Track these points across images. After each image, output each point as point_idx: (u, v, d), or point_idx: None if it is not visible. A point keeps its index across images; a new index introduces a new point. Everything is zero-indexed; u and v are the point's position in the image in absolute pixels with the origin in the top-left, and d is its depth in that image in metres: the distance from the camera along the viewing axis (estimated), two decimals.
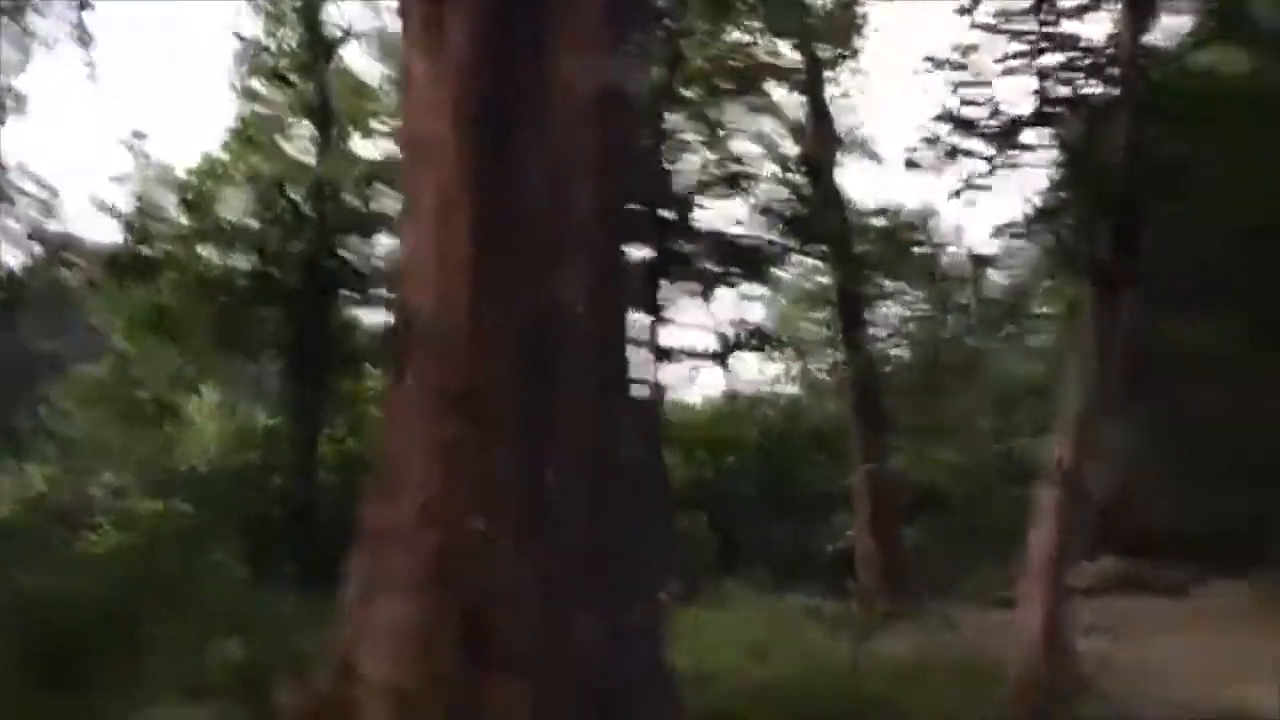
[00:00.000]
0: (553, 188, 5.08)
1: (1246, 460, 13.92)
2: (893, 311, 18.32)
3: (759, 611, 10.20)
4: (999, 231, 12.19)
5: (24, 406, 18.95)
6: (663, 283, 14.68)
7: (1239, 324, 13.01)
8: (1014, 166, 10.12)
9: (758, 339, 16.94)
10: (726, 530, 15.86)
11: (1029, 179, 11.20)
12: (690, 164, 15.50)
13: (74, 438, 17.45)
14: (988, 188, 10.84)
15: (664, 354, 15.08)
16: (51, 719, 6.53)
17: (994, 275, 18.87)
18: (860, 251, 15.93)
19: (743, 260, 15.79)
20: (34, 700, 6.58)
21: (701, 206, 15.31)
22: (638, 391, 5.68)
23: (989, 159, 10.53)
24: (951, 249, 17.90)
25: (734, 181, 15.49)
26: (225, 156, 17.66)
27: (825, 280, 17.67)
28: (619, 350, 5.28)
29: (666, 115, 14.69)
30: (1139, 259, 9.41)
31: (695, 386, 20.19)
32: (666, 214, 14.23)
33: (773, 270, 16.99)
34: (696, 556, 14.61)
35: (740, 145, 16.44)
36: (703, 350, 16.06)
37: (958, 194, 12.23)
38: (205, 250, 17.26)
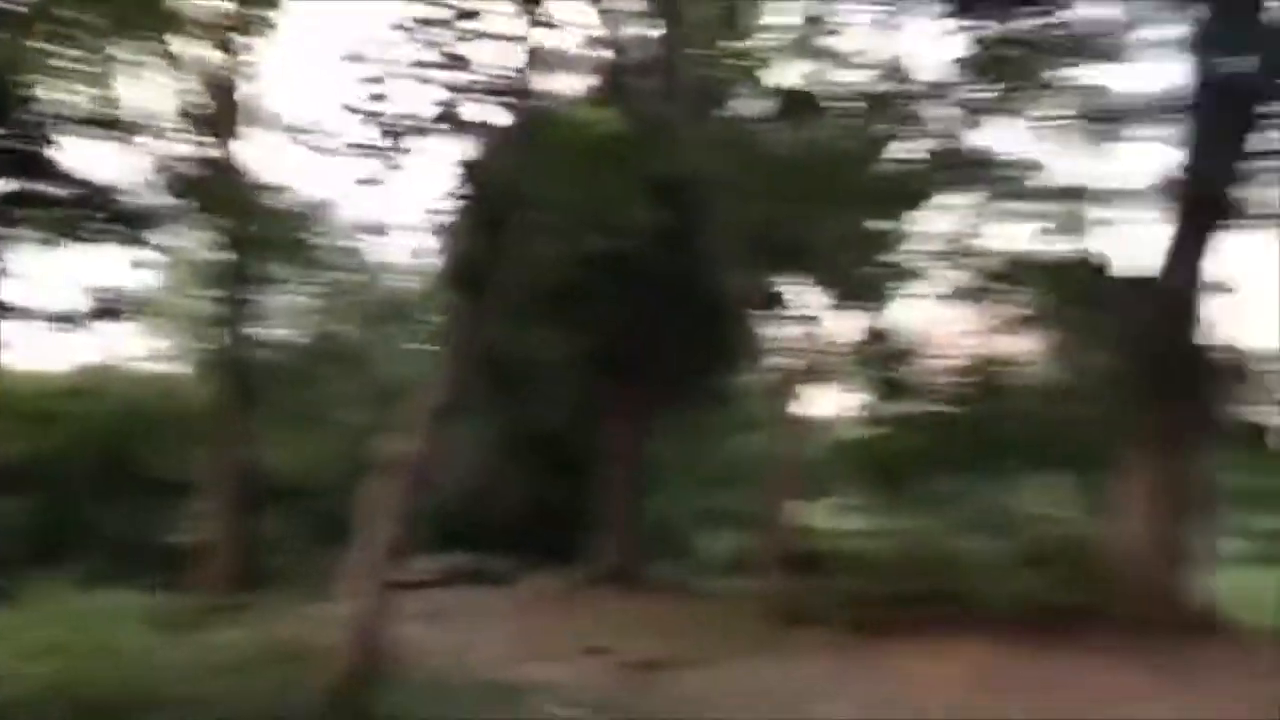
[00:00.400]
0: None
1: (570, 464, 16.08)
2: (285, 298, 17.82)
3: (71, 607, 9.05)
4: (385, 229, 12.51)
5: None
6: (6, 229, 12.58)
7: (576, 342, 14.98)
8: (399, 168, 10.39)
9: (125, 306, 15.23)
10: (55, 517, 13.91)
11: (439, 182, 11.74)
12: (64, 97, 13.41)
13: None
14: (380, 182, 11.11)
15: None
16: None
17: (391, 273, 19.38)
18: (254, 231, 15.14)
19: (120, 217, 14.12)
20: None
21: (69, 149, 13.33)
22: None
23: (385, 156, 10.78)
24: (349, 242, 17.97)
25: (115, 127, 13.75)
26: None
27: (219, 256, 16.56)
28: None
29: (38, 36, 12.58)
30: (503, 273, 10.27)
31: (50, 353, 17.63)
32: (18, 145, 12.21)
33: (158, 234, 15.48)
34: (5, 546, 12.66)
35: (136, 91, 14.78)
36: (53, 311, 14.00)
37: (362, 184, 12.45)
38: None
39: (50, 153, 12.88)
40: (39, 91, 12.83)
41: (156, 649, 8.31)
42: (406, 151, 10.76)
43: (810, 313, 16.00)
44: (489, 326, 10.39)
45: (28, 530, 13.44)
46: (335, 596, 8.81)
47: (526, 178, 10.70)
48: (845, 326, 16.38)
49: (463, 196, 11.57)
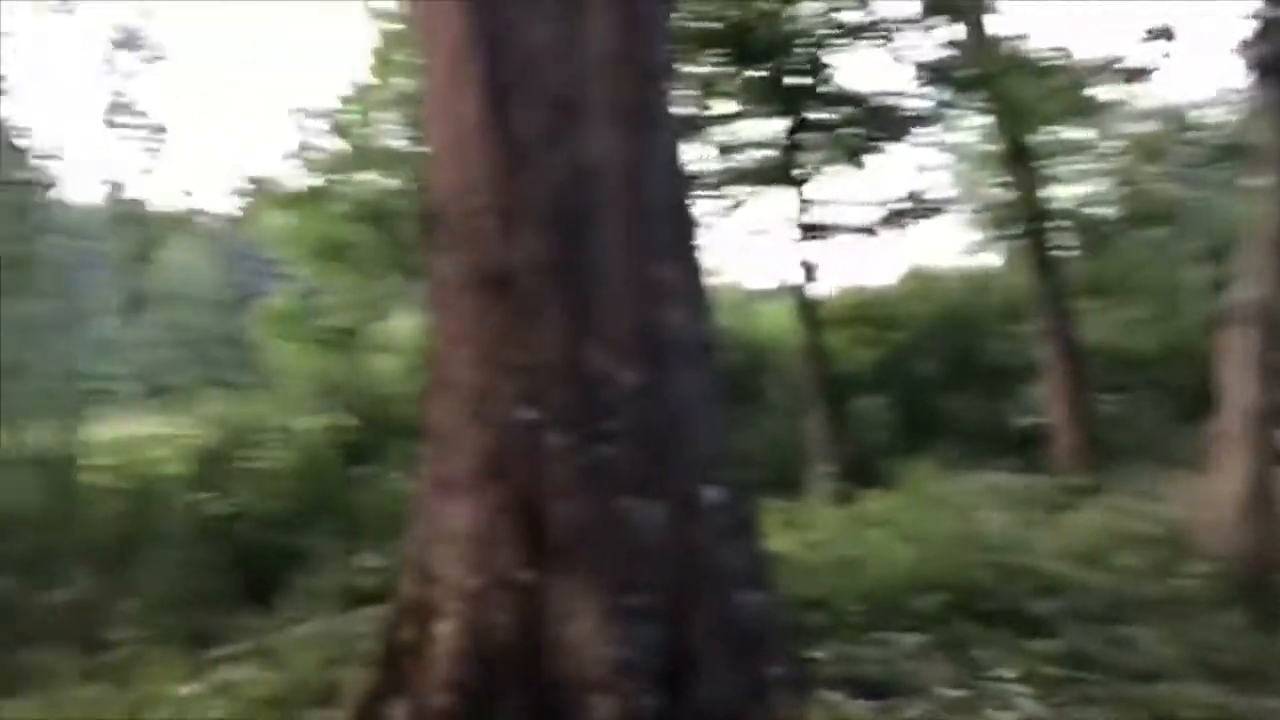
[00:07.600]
0: (563, 27, 4.46)
1: None
2: (1074, 165, 16.24)
3: (935, 490, 9.36)
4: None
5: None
6: (801, 154, 13.59)
7: None
8: None
9: (921, 207, 15.28)
10: (908, 410, 14.86)
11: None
12: (811, 11, 13.24)
13: (268, 366, 17.61)
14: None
15: (811, 230, 14.00)
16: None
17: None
18: (1025, 98, 13.80)
19: (889, 124, 14.18)
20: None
21: (833, 65, 13.60)
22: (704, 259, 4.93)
23: None
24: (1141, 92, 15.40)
25: (869, 31, 13.66)
26: (371, 80, 16.32)
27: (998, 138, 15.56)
28: (663, 211, 4.66)
29: None
30: None
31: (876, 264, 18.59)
32: (798, 79, 13.00)
33: (925, 129, 15.07)
34: (872, 440, 13.81)
35: None
36: (857, 224, 14.73)
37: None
38: (364, 176, 16.31)
39: (823, 76, 13.44)
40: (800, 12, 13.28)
41: (1019, 532, 8.07)
42: None
43: None
44: None
45: (889, 424, 14.63)
46: (1201, 472, 7.51)
47: None
48: None
49: None
